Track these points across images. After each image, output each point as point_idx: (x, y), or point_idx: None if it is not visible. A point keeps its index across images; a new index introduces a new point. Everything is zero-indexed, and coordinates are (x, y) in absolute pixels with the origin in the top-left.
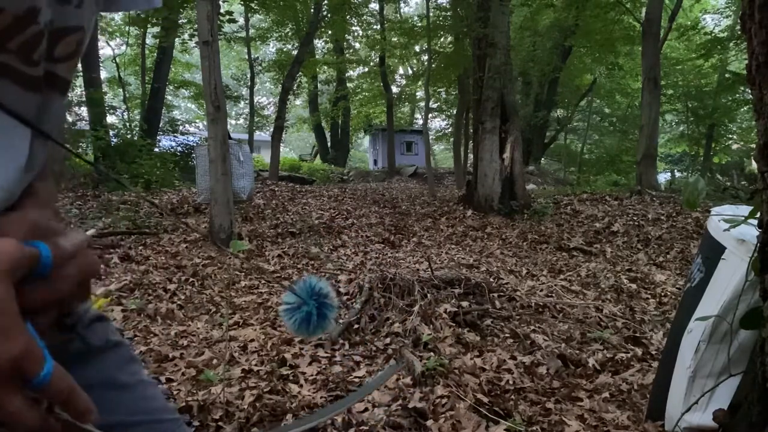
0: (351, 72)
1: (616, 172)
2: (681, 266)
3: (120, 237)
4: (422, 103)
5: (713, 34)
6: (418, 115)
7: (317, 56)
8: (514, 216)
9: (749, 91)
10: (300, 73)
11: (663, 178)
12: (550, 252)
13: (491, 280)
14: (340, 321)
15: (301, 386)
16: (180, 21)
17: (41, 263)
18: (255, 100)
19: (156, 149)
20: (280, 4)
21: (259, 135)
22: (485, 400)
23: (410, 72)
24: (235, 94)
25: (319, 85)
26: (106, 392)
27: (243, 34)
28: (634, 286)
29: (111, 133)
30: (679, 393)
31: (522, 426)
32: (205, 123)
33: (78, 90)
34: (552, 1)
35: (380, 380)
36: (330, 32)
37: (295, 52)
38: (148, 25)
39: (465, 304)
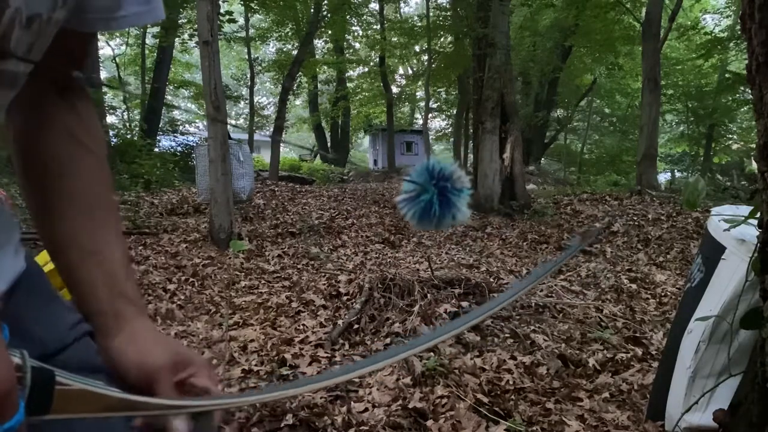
0: (351, 72)
1: (616, 172)
2: (681, 266)
3: None
4: (422, 103)
5: (713, 34)
6: (418, 115)
7: (317, 56)
8: (514, 216)
9: (749, 91)
10: (300, 73)
11: (663, 178)
12: (550, 252)
13: (491, 280)
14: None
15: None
16: (180, 21)
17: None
18: (255, 100)
19: (156, 149)
20: (280, 4)
21: (259, 135)
22: (485, 400)
23: (410, 72)
24: (235, 94)
25: (319, 85)
26: None
27: (243, 34)
28: (634, 286)
29: (111, 133)
30: (679, 393)
31: (522, 426)
32: (205, 123)
33: None
34: (552, 1)
35: (562, 260)
36: (330, 32)
37: (295, 52)
38: (148, 25)
39: (465, 304)
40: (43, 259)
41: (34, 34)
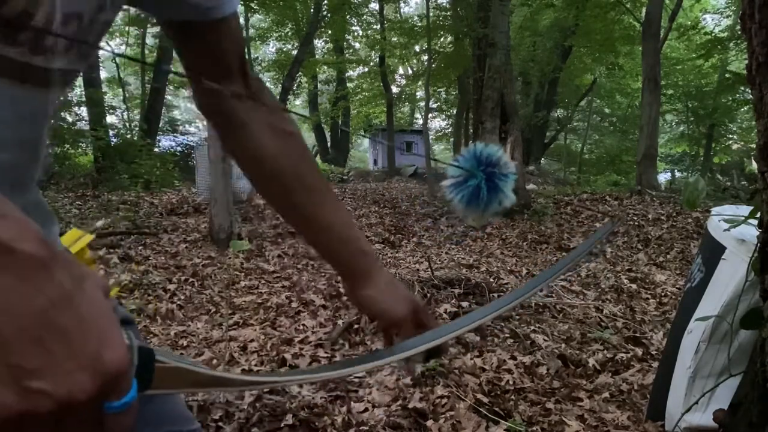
0: (351, 72)
1: (616, 172)
2: (681, 266)
3: (120, 237)
4: (422, 103)
5: (713, 34)
6: (418, 115)
7: (317, 56)
8: (514, 216)
9: (749, 91)
10: (300, 73)
11: (663, 178)
12: (550, 252)
13: (491, 280)
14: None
15: (301, 386)
16: None
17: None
18: None
19: (156, 149)
20: (280, 4)
21: None
22: (485, 400)
23: (410, 72)
24: None
25: (319, 85)
26: None
27: (243, 33)
28: (634, 286)
29: (111, 133)
30: (679, 393)
31: (522, 426)
32: (205, 123)
33: (78, 90)
34: (552, 1)
35: (595, 239)
36: (330, 32)
37: (295, 52)
38: (148, 25)
39: (465, 304)
40: (67, 240)
41: (73, 32)
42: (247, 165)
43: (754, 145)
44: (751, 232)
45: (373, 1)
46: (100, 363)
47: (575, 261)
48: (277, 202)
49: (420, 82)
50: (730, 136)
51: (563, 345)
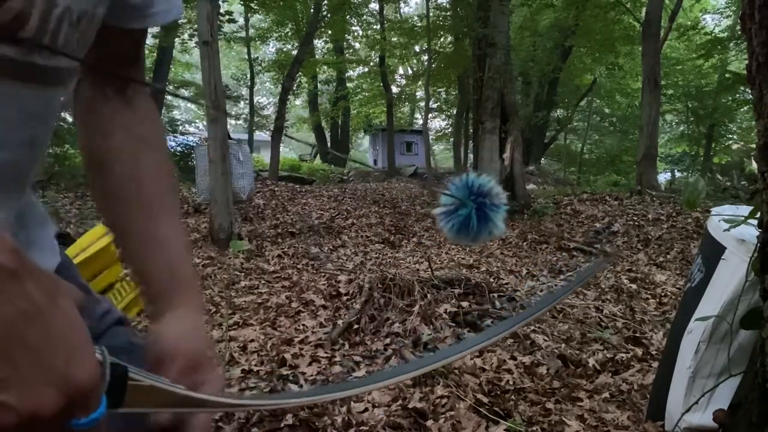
0: (351, 72)
1: (616, 172)
2: (681, 266)
3: None
4: (422, 103)
5: (713, 34)
6: (418, 115)
7: (317, 56)
8: (514, 216)
9: (749, 91)
10: (300, 73)
11: (663, 178)
12: (550, 252)
13: (491, 280)
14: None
15: (301, 386)
16: (180, 21)
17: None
18: (255, 100)
19: None
20: (280, 4)
21: (259, 135)
22: (485, 400)
23: (410, 72)
24: (235, 94)
25: (319, 85)
26: None
27: (243, 34)
28: (634, 286)
29: None
30: (679, 393)
31: (522, 426)
32: (205, 123)
33: None
34: (552, 1)
35: (588, 273)
36: (330, 32)
37: (295, 52)
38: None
39: (465, 304)
40: (73, 252)
41: (83, 31)
42: (89, 160)
43: (754, 145)
44: (751, 232)
45: (373, 1)
46: (68, 379)
47: (568, 292)
48: (105, 204)
49: (420, 82)
50: (730, 136)
51: (563, 345)
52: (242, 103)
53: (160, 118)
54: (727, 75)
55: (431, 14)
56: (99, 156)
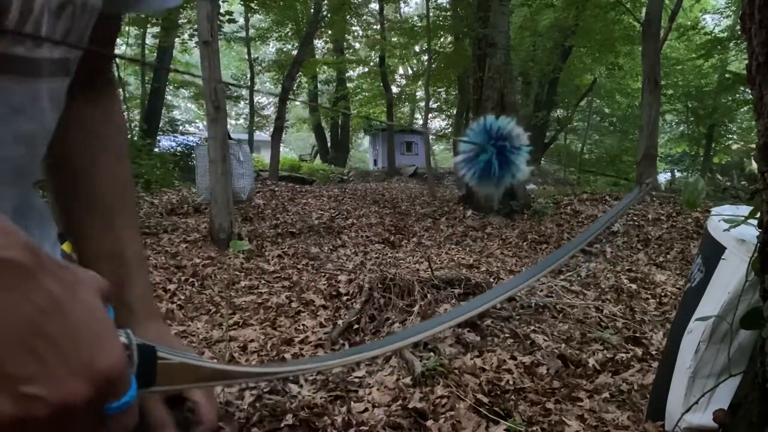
0: (351, 72)
1: (616, 172)
2: (681, 266)
3: None
4: (422, 103)
5: (713, 34)
6: (418, 115)
7: (317, 56)
8: (514, 216)
9: (749, 91)
10: (300, 73)
11: (663, 178)
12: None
13: (491, 280)
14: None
15: (301, 386)
16: (180, 21)
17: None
18: (255, 100)
19: (156, 149)
20: (280, 4)
21: (259, 135)
22: (485, 400)
23: (410, 72)
24: (235, 94)
25: (319, 85)
26: None
27: (243, 34)
28: (634, 286)
29: None
30: (679, 393)
31: (522, 426)
32: (205, 123)
33: None
34: (552, 1)
35: (626, 203)
36: (330, 32)
37: (295, 52)
38: (148, 25)
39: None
40: (70, 250)
41: (68, 20)
42: (50, 165)
43: (754, 145)
44: (751, 232)
45: (373, 1)
46: (94, 367)
47: (604, 226)
48: (59, 205)
49: (420, 82)
50: (730, 136)
51: (563, 345)
52: (242, 103)
53: (124, 118)
54: (727, 75)
55: (431, 14)
56: (55, 150)
